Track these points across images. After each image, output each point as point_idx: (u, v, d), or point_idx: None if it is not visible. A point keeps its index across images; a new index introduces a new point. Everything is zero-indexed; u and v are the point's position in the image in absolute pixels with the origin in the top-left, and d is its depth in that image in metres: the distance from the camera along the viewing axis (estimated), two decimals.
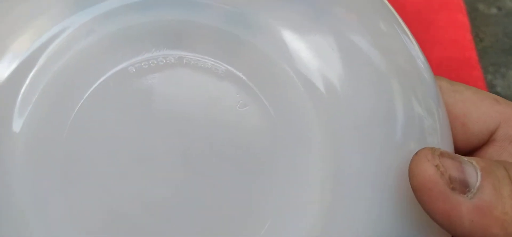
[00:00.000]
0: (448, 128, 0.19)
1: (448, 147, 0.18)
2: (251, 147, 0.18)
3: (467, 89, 0.20)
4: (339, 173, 0.18)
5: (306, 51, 0.18)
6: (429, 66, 0.19)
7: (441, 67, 0.40)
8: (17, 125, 0.17)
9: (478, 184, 0.16)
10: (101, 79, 0.18)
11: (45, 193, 0.17)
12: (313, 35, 0.19)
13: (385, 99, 0.18)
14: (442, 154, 0.16)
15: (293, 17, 0.19)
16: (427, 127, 0.18)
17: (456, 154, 0.17)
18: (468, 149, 0.20)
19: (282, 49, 0.19)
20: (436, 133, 0.18)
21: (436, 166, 0.16)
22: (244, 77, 0.18)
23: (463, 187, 0.16)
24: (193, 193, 0.18)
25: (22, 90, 0.17)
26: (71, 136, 0.17)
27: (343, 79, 0.18)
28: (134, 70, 0.18)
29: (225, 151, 0.18)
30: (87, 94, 0.18)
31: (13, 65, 0.17)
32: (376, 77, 0.18)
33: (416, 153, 0.16)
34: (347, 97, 0.18)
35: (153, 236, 0.17)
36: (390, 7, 0.19)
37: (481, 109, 0.19)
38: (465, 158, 0.17)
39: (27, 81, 0.17)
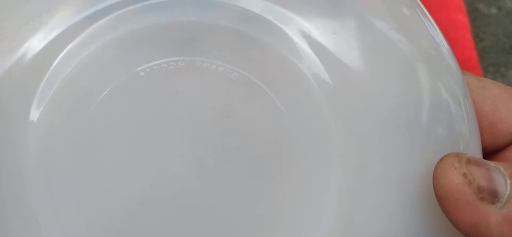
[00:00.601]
0: (475, 119, 0.18)
1: (475, 139, 0.18)
2: (266, 151, 0.17)
3: (495, 86, 0.18)
4: (358, 176, 0.17)
5: (323, 50, 0.18)
6: (453, 54, 0.18)
7: None
8: (31, 126, 0.17)
9: (507, 193, 0.15)
10: (112, 84, 0.17)
11: (57, 193, 0.17)
12: (331, 32, 0.18)
13: (412, 85, 0.17)
14: (469, 161, 0.15)
15: (308, 15, 0.18)
16: (455, 114, 0.17)
17: (483, 160, 0.16)
18: (494, 148, 0.19)
19: (297, 49, 0.18)
20: (464, 122, 0.17)
21: (464, 174, 0.15)
22: (257, 80, 0.18)
23: (492, 196, 0.15)
24: (207, 197, 0.17)
25: (37, 95, 0.17)
26: (84, 139, 0.17)
27: (365, 74, 0.17)
28: (144, 74, 0.18)
29: (239, 154, 0.17)
30: (99, 98, 0.17)
31: (27, 70, 0.17)
32: (402, 63, 0.17)
33: (441, 159, 0.15)
34: (368, 92, 0.17)
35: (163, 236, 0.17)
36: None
37: (509, 107, 0.18)
38: (492, 163, 0.15)
39: (41, 86, 0.17)
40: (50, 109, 0.17)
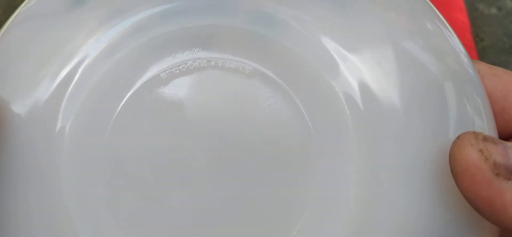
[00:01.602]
0: (494, 124, 0.18)
1: None
2: (283, 143, 0.18)
3: (506, 74, 0.18)
4: (375, 167, 0.18)
5: (338, 49, 0.18)
6: (470, 59, 0.18)
7: None
8: (61, 133, 0.18)
9: None
10: (135, 87, 0.18)
11: (90, 198, 0.18)
12: (343, 33, 0.18)
13: (441, 106, 0.17)
14: (485, 138, 0.15)
15: (321, 14, 0.19)
16: (477, 126, 0.18)
17: (500, 140, 0.16)
18: (506, 133, 0.19)
19: (312, 47, 0.18)
20: (485, 131, 0.18)
21: (480, 150, 0.15)
22: (272, 75, 0.18)
23: (508, 173, 0.15)
24: (230, 192, 0.18)
25: (63, 104, 0.18)
26: (111, 142, 0.18)
27: (380, 81, 0.18)
28: (166, 76, 0.18)
29: (258, 148, 0.18)
30: (123, 103, 0.18)
31: (57, 80, 0.18)
32: (432, 84, 0.18)
33: (458, 137, 0.15)
34: (384, 99, 0.18)
35: (192, 234, 0.18)
36: (428, 1, 0.19)
37: None
38: (510, 144, 0.15)
39: (66, 96, 0.18)
40: (78, 117, 0.18)
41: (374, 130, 0.18)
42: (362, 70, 0.18)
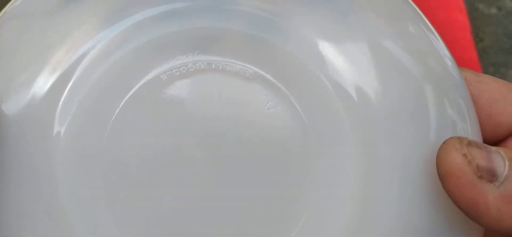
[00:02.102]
0: (478, 128, 0.18)
1: None
2: (282, 146, 0.18)
3: (493, 81, 0.19)
4: (371, 170, 0.18)
5: (335, 54, 0.19)
6: (456, 63, 0.19)
7: None
8: (58, 134, 0.18)
9: (505, 173, 0.15)
10: (135, 88, 0.18)
11: (88, 198, 0.18)
12: (341, 38, 0.19)
13: (421, 106, 0.18)
14: (470, 143, 0.16)
15: (320, 21, 0.19)
16: (459, 130, 0.18)
17: (484, 144, 0.16)
18: (494, 140, 0.19)
19: (310, 51, 0.19)
20: (468, 135, 0.18)
21: (464, 154, 0.16)
22: (272, 79, 0.19)
23: (490, 175, 0.15)
24: (229, 193, 0.18)
25: (61, 103, 0.18)
26: (110, 143, 0.18)
27: (375, 85, 0.18)
28: (166, 78, 0.18)
29: (257, 150, 0.18)
30: (122, 103, 0.18)
31: (52, 79, 0.18)
32: (410, 83, 0.18)
33: (444, 142, 0.16)
34: (379, 102, 0.18)
35: (191, 235, 0.18)
36: (414, 5, 0.19)
37: (508, 99, 0.18)
38: (493, 148, 0.16)
39: (65, 94, 0.18)
40: (77, 117, 0.18)
41: (370, 132, 0.18)
42: (358, 75, 0.18)
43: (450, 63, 0.18)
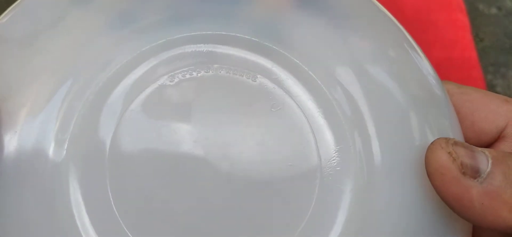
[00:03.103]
0: (462, 137, 0.19)
1: None
2: (286, 149, 0.19)
3: (475, 92, 0.20)
4: (371, 169, 0.19)
5: (334, 62, 0.19)
6: (438, 78, 0.19)
7: (441, 67, 0.40)
8: (63, 139, 0.18)
9: (488, 170, 0.16)
10: (140, 92, 0.19)
11: (95, 203, 0.18)
12: (338, 47, 0.20)
13: (404, 131, 0.19)
14: (455, 143, 0.17)
15: (320, 31, 0.20)
16: None
17: (470, 144, 0.17)
18: (478, 145, 0.20)
19: (311, 59, 0.19)
20: None
21: (449, 152, 0.17)
22: (275, 83, 0.19)
23: (474, 172, 0.16)
24: (232, 196, 0.18)
25: (65, 107, 0.18)
26: (115, 146, 0.18)
27: (365, 101, 0.19)
28: (171, 82, 0.19)
29: (261, 152, 0.19)
30: (129, 108, 0.18)
31: (57, 83, 0.18)
32: (396, 110, 0.19)
33: (432, 142, 0.17)
34: (370, 116, 0.19)
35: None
36: (395, 21, 0.20)
37: (489, 107, 0.19)
38: (478, 148, 0.17)
39: (70, 98, 0.18)
40: (83, 120, 0.18)
41: (366, 137, 0.19)
42: (354, 82, 0.19)
43: (433, 81, 0.19)
